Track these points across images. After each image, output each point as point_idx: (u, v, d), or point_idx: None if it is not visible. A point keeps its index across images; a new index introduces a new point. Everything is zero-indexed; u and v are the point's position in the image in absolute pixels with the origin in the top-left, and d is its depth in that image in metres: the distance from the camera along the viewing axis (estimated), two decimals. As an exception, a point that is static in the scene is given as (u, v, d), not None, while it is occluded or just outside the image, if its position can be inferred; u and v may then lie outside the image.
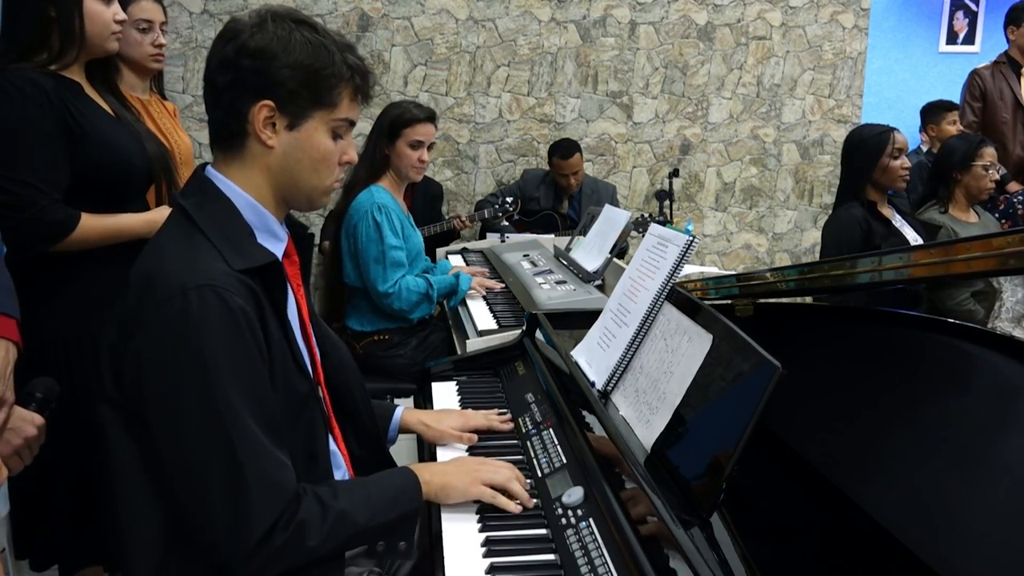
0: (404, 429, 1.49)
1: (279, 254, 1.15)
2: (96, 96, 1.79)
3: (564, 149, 4.14)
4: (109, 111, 1.80)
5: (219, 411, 0.98)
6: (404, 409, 1.50)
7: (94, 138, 1.70)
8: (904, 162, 2.73)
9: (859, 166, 2.76)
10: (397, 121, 2.57)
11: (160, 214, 1.77)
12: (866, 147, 2.74)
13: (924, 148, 4.59)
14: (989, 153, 3.04)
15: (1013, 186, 3.95)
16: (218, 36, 1.12)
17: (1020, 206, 3.69)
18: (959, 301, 2.87)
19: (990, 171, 3.04)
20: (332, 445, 1.25)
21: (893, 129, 2.74)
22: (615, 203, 4.25)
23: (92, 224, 1.70)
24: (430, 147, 2.63)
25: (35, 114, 1.61)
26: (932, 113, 4.31)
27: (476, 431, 1.47)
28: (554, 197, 4.28)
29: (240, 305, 1.01)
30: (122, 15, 1.76)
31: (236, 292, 1.02)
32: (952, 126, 4.27)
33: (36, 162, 1.62)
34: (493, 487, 1.22)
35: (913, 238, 2.79)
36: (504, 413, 1.55)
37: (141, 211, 1.88)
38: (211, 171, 1.14)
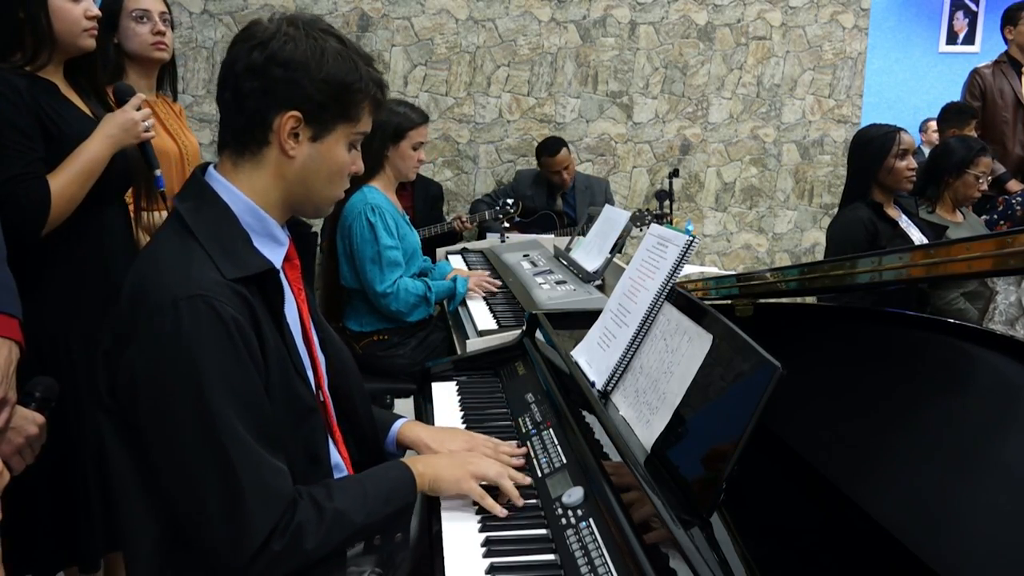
0: (403, 444, 1.43)
1: (280, 258, 1.15)
2: (74, 97, 1.78)
3: (550, 147, 4.20)
4: (87, 112, 1.78)
5: (213, 422, 0.98)
6: (405, 423, 1.44)
7: (69, 139, 1.68)
8: (910, 163, 2.71)
9: (864, 166, 2.75)
10: (402, 124, 2.58)
11: (106, 125, 1.72)
12: (871, 147, 2.72)
13: (925, 149, 4.58)
14: (985, 163, 3.04)
15: (1013, 185, 3.94)
16: (241, 39, 1.09)
17: (1019, 207, 3.68)
18: (948, 300, 2.87)
19: (981, 180, 3.05)
20: (333, 449, 1.25)
21: (900, 129, 2.73)
22: (609, 198, 4.28)
23: (61, 181, 1.65)
24: None
25: (9, 112, 1.60)
26: (956, 117, 4.11)
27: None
28: (547, 195, 4.30)
29: (232, 315, 1.00)
30: (94, 10, 1.73)
31: (228, 302, 1.01)
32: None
33: (14, 159, 1.61)
34: (485, 481, 1.22)
35: (919, 239, 2.78)
36: (522, 446, 1.41)
37: (119, 213, 1.86)
38: (212, 173, 1.12)
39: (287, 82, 1.06)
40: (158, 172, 1.87)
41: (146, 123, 1.79)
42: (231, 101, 1.09)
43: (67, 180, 1.65)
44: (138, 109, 1.78)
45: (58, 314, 1.69)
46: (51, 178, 1.64)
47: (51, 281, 1.70)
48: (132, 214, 1.92)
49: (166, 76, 2.36)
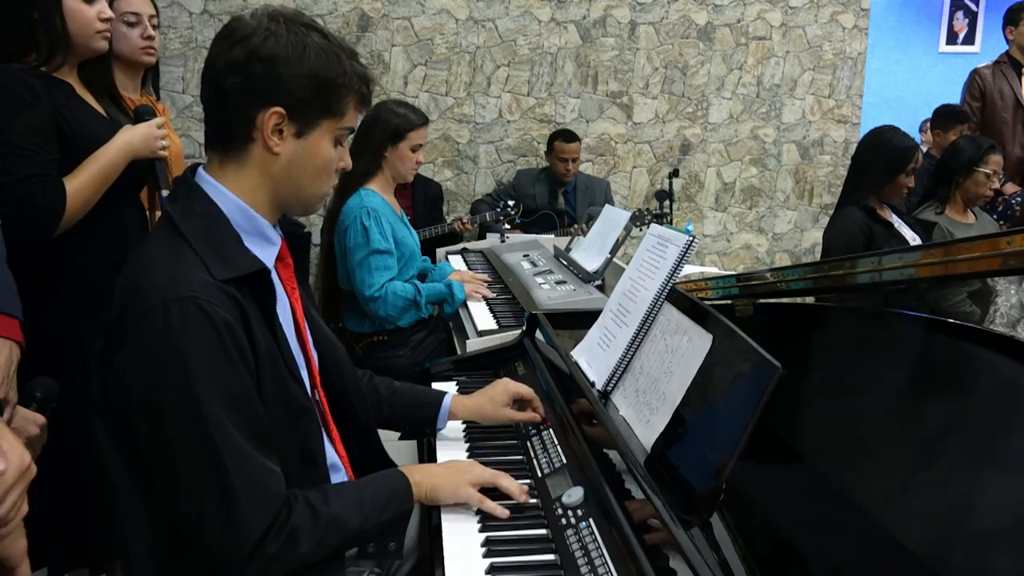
0: (456, 417, 1.51)
1: (271, 258, 1.15)
2: (89, 97, 1.79)
3: (567, 135, 4.24)
4: (102, 112, 1.79)
5: (204, 423, 0.98)
6: (453, 398, 1.50)
7: (85, 139, 1.69)
8: (911, 180, 2.76)
9: (877, 173, 2.74)
10: (402, 126, 2.57)
11: (127, 133, 1.76)
12: (893, 158, 2.72)
13: (924, 149, 4.57)
14: (995, 160, 3.03)
15: (1009, 187, 3.94)
16: (221, 36, 1.08)
17: (1018, 207, 3.69)
18: (954, 303, 2.86)
19: (992, 179, 3.03)
20: (330, 448, 1.25)
21: (918, 146, 2.76)
22: (609, 198, 4.28)
23: (77, 184, 1.67)
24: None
25: (26, 113, 1.61)
26: (944, 120, 4.12)
27: (521, 399, 1.49)
28: (549, 193, 4.29)
29: (222, 316, 1.00)
30: (108, 12, 1.74)
31: (218, 303, 1.01)
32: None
33: (30, 159, 1.62)
34: (483, 485, 1.22)
35: (911, 237, 2.79)
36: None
37: (134, 212, 1.88)
38: (202, 174, 1.12)
39: (269, 78, 1.05)
40: (165, 193, 1.90)
41: (163, 142, 1.83)
42: (214, 99, 1.09)
43: (83, 183, 1.68)
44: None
45: (73, 314, 1.70)
46: (67, 180, 1.66)
47: (66, 281, 1.71)
48: (147, 213, 1.93)
49: (149, 76, 2.38)
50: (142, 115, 1.88)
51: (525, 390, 1.49)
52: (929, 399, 1.27)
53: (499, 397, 1.48)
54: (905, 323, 1.49)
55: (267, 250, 1.14)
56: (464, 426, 1.55)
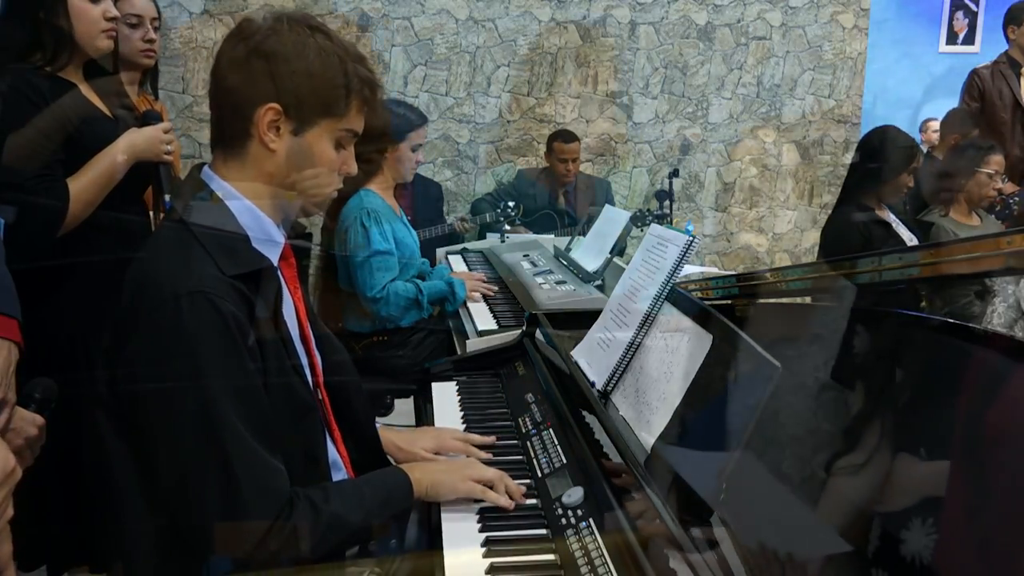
0: None
1: (275, 257, 1.15)
2: (94, 97, 1.79)
3: (566, 135, 4.24)
4: (107, 113, 1.80)
5: (211, 418, 0.98)
6: (378, 428, 1.45)
7: (90, 140, 1.70)
8: (911, 180, 2.77)
9: (877, 173, 2.75)
10: (401, 126, 2.58)
11: (132, 135, 1.76)
12: (893, 157, 2.73)
13: (924, 149, 4.57)
14: (996, 161, 3.05)
15: (1008, 187, 3.93)
16: (230, 35, 1.10)
17: (1017, 207, 3.68)
18: (962, 305, 2.87)
19: (994, 179, 3.05)
20: (331, 447, 1.25)
21: (918, 146, 2.78)
22: (610, 199, 4.28)
23: (80, 185, 1.68)
24: None
25: (31, 114, 1.61)
26: (964, 123, 4.00)
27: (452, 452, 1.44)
28: (549, 194, 4.29)
29: (232, 311, 1.01)
30: (113, 12, 1.75)
31: (227, 298, 1.01)
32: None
33: (35, 160, 1.62)
34: (483, 482, 1.22)
35: (909, 237, 2.80)
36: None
37: (138, 213, 1.88)
38: (208, 173, 1.13)
39: (267, 74, 1.07)
40: (167, 197, 1.90)
41: (168, 147, 1.83)
42: (217, 95, 1.11)
43: (86, 184, 1.68)
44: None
45: (75, 314, 1.70)
46: (71, 181, 1.66)
47: (68, 282, 1.72)
48: (151, 216, 1.94)
49: (147, 76, 2.38)
50: (149, 119, 1.88)
51: (456, 446, 1.42)
52: (928, 399, 1.27)
53: (423, 442, 1.42)
54: (904, 323, 1.48)
55: (271, 249, 1.14)
56: (465, 426, 1.55)
